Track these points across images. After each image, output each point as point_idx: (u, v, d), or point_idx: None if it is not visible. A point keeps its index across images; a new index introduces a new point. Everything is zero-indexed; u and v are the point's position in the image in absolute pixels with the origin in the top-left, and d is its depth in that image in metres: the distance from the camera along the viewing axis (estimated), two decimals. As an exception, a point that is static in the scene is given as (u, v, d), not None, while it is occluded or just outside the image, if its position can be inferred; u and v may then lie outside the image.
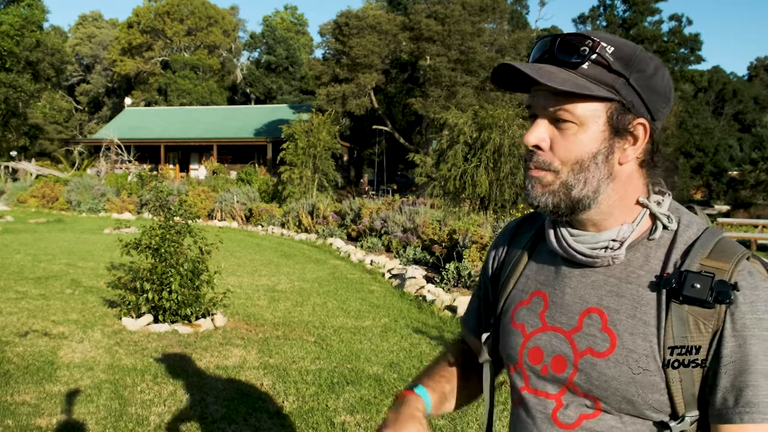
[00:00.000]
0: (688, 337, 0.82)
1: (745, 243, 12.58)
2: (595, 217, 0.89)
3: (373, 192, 26.00)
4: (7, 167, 24.88)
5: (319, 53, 44.27)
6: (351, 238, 11.89)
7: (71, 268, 7.81)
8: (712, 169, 31.95)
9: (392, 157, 33.89)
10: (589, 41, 0.83)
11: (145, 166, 27.49)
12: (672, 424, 0.85)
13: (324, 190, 17.18)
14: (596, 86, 0.83)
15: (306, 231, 12.91)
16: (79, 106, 48.70)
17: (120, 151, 25.35)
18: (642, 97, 0.84)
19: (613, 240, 0.89)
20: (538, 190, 0.89)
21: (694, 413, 0.85)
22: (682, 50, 39.93)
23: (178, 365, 4.19)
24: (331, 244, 11.23)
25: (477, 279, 1.24)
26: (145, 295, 4.96)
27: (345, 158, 30.31)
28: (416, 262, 8.88)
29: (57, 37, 41.82)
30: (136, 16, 44.77)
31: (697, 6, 77.64)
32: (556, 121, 0.86)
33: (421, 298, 6.61)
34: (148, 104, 41.86)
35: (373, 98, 28.59)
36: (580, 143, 0.85)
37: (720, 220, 16.17)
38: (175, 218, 5.24)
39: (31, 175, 24.24)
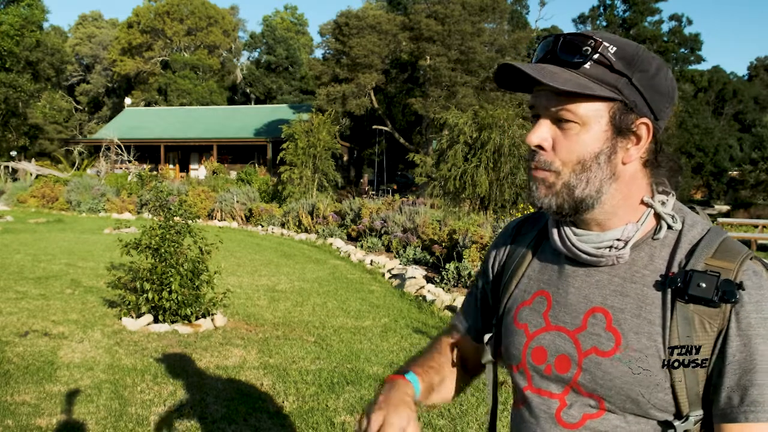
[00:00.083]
0: (693, 337, 0.82)
1: (745, 243, 12.57)
2: (599, 216, 0.89)
3: (373, 192, 25.99)
4: (7, 167, 24.88)
5: (319, 53, 44.28)
6: (351, 238, 11.88)
7: (71, 268, 7.81)
8: (712, 169, 31.95)
9: (392, 157, 33.89)
10: (592, 41, 0.83)
11: (145, 166, 27.49)
12: (676, 423, 0.85)
13: (324, 190, 17.18)
14: (598, 86, 0.83)
15: (306, 231, 12.91)
16: (79, 106, 48.70)
17: (120, 151, 25.35)
18: (645, 96, 0.84)
19: (618, 239, 0.89)
20: (541, 192, 0.89)
21: (699, 413, 0.85)
22: (682, 50, 39.94)
23: (178, 365, 4.19)
24: (331, 244, 11.23)
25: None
26: (145, 295, 4.96)
27: (345, 158, 30.31)
28: (416, 262, 8.88)
29: (57, 37, 41.83)
30: (136, 16, 44.76)
31: (697, 6, 77.69)
32: (559, 121, 0.86)
33: (421, 298, 6.61)
34: (148, 104, 41.87)
35: (373, 98, 28.58)
36: (582, 143, 0.85)
37: (720, 220, 16.18)
38: (175, 218, 5.24)
39: (31, 175, 24.24)
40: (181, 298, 5.02)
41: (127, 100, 36.55)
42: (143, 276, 5.05)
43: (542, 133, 0.87)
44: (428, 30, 25.42)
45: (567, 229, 0.93)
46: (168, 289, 4.97)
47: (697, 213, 0.93)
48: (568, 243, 0.92)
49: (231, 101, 45.06)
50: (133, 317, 5.17)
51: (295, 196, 16.09)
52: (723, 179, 32.65)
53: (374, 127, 29.96)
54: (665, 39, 39.13)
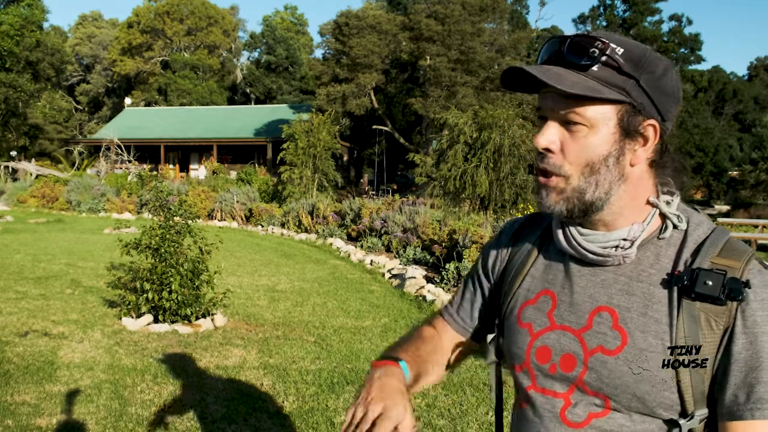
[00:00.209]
0: (699, 335, 0.83)
1: (745, 243, 12.56)
2: (606, 217, 0.90)
3: (373, 192, 25.99)
4: (7, 167, 24.88)
5: (319, 53, 44.30)
6: (351, 238, 11.88)
7: (71, 268, 7.81)
8: (712, 169, 31.94)
9: (392, 157, 33.89)
10: (599, 43, 0.83)
11: (145, 166, 27.49)
12: (682, 422, 0.85)
13: (324, 190, 17.18)
14: (607, 89, 0.83)
15: (306, 231, 12.91)
16: (79, 106, 48.70)
17: (120, 151, 25.35)
18: (652, 98, 0.84)
19: (624, 239, 0.89)
20: (552, 198, 0.89)
21: (704, 411, 0.85)
22: (682, 50, 39.94)
23: (178, 365, 4.19)
24: (331, 244, 11.23)
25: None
26: (145, 295, 4.96)
27: (345, 158, 30.31)
28: (416, 262, 8.88)
29: (57, 37, 41.82)
30: (136, 16, 44.76)
31: (697, 6, 77.68)
32: (567, 124, 0.86)
33: (421, 298, 6.61)
34: (148, 104, 41.87)
35: (373, 98, 28.58)
36: (590, 146, 0.85)
37: (720, 220, 16.18)
38: (175, 218, 5.24)
39: (31, 175, 24.24)
40: (181, 298, 5.02)
41: (127, 100, 36.54)
42: (143, 276, 5.05)
43: (550, 135, 0.87)
44: (428, 30, 25.42)
45: (572, 229, 0.93)
46: (168, 289, 4.97)
47: (698, 213, 0.94)
48: (574, 243, 0.92)
49: (231, 101, 45.06)
50: (133, 317, 5.17)
51: (295, 196, 16.09)
52: (723, 179, 32.64)
53: (374, 127, 29.96)
54: (665, 39, 39.13)
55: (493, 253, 1.10)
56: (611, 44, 0.83)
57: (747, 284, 0.82)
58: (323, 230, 12.16)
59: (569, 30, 44.05)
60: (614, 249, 0.89)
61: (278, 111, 32.54)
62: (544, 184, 0.89)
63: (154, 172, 25.50)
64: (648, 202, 0.90)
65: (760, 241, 13.52)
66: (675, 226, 0.90)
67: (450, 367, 1.13)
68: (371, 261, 9.16)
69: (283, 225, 13.84)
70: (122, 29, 45.41)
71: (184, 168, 31.17)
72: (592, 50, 0.83)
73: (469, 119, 12.79)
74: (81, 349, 4.47)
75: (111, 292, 6.23)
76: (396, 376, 0.92)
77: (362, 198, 14.82)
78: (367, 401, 0.86)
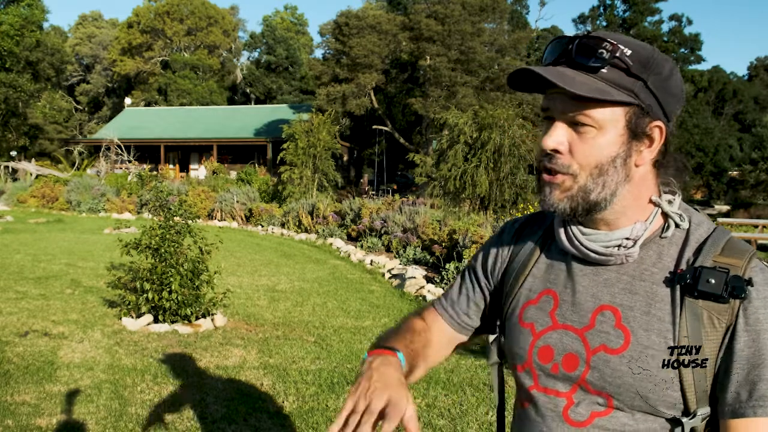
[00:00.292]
0: (702, 333, 0.83)
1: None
2: (609, 217, 0.90)
3: (373, 192, 25.99)
4: (7, 167, 24.88)
5: (319, 53, 44.29)
6: (351, 238, 11.88)
7: (71, 268, 7.81)
8: (712, 169, 31.95)
9: (392, 157, 33.88)
10: (607, 44, 0.83)
11: (145, 166, 27.48)
12: (684, 420, 0.85)
13: (324, 190, 17.18)
14: (617, 91, 0.83)
15: (306, 231, 12.91)
16: (79, 106, 48.70)
17: (120, 151, 25.35)
18: (659, 99, 0.85)
19: (627, 238, 0.89)
20: (556, 196, 0.89)
21: (706, 410, 0.85)
22: (682, 50, 39.94)
23: (178, 365, 4.19)
24: (331, 244, 11.23)
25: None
26: (145, 295, 4.96)
27: (345, 158, 30.31)
28: (416, 262, 8.88)
29: (57, 37, 41.82)
30: (136, 16, 44.75)
31: (697, 6, 77.69)
32: (575, 125, 0.86)
33: (421, 298, 6.61)
34: (148, 104, 41.86)
35: (373, 98, 28.58)
36: (599, 147, 0.85)
37: (720, 220, 16.17)
38: (175, 218, 5.24)
39: (31, 175, 24.24)
40: (181, 298, 5.03)
41: (127, 100, 36.54)
42: (143, 276, 5.05)
43: (558, 136, 0.87)
44: (428, 30, 25.42)
45: (574, 228, 0.93)
46: (168, 289, 4.97)
47: (698, 213, 0.94)
48: (576, 242, 0.92)
49: (231, 101, 45.06)
50: (133, 317, 5.17)
51: (295, 196, 16.09)
52: (723, 179, 32.65)
53: (374, 127, 29.96)
54: (665, 39, 39.12)
55: (493, 251, 1.09)
56: (619, 45, 0.83)
57: (749, 282, 0.82)
58: (323, 230, 12.16)
59: (569, 30, 44.07)
60: (617, 248, 0.90)
61: (278, 111, 32.53)
62: (548, 182, 0.89)
63: (154, 172, 25.50)
64: (650, 201, 0.91)
65: (760, 241, 13.51)
66: (677, 225, 0.90)
67: (431, 361, 1.09)
68: (371, 261, 9.16)
69: (283, 225, 13.84)
70: (122, 29, 45.40)
71: (184, 168, 31.17)
72: (600, 51, 0.83)
73: (469, 119, 12.79)
74: (81, 349, 4.47)
75: (111, 292, 6.23)
76: (394, 366, 0.89)
77: (362, 198, 14.82)
78: (370, 391, 0.82)
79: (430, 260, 8.65)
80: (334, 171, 17.52)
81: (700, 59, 40.76)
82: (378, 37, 26.54)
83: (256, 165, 27.99)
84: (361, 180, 31.27)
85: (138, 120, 33.27)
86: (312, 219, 13.06)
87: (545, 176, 0.89)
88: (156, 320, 5.16)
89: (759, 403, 0.80)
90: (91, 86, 48.75)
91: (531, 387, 0.96)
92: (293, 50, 45.43)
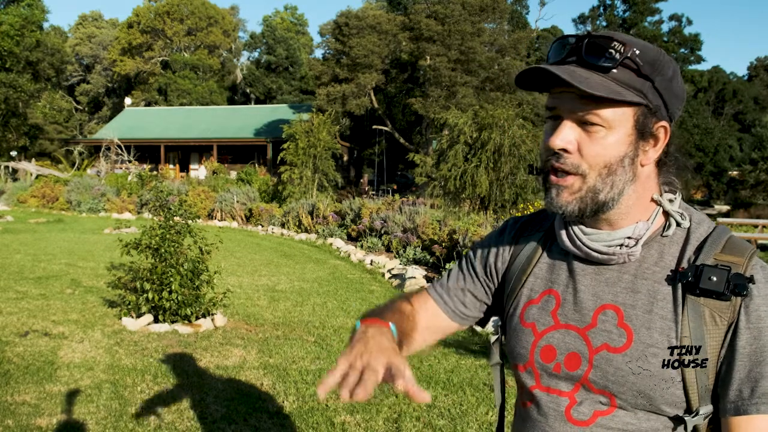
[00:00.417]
0: (704, 330, 0.84)
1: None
2: (613, 216, 0.90)
3: (373, 192, 26.01)
4: (7, 167, 24.88)
5: (319, 53, 44.28)
6: (351, 238, 11.88)
7: (71, 268, 7.81)
8: (712, 169, 31.95)
9: (392, 157, 33.88)
10: (617, 44, 0.83)
11: (145, 166, 27.49)
12: (687, 418, 0.86)
13: (324, 190, 17.18)
14: (627, 91, 0.83)
15: (306, 231, 12.91)
16: (79, 106, 48.70)
17: (120, 151, 25.35)
18: (664, 100, 0.86)
19: (629, 237, 0.89)
20: (564, 198, 0.88)
21: (708, 407, 0.86)
22: (682, 50, 39.96)
23: (178, 365, 4.19)
24: (331, 244, 11.23)
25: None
26: (145, 295, 4.96)
27: (345, 158, 30.31)
28: (416, 262, 8.88)
29: (57, 37, 41.80)
30: (136, 16, 44.75)
31: (697, 6, 77.70)
32: (584, 124, 0.86)
33: (421, 298, 6.60)
34: (148, 104, 41.87)
35: (373, 98, 28.58)
36: (608, 147, 0.85)
37: (720, 220, 16.17)
38: (175, 218, 5.24)
39: (31, 175, 24.24)
40: (181, 298, 5.03)
41: (127, 100, 36.53)
42: (143, 276, 5.05)
43: (567, 135, 0.86)
44: (428, 30, 25.41)
45: (576, 228, 0.93)
46: (168, 289, 4.97)
47: (698, 212, 0.95)
48: (578, 242, 0.92)
49: (231, 101, 45.06)
50: (133, 317, 5.17)
51: (295, 196, 16.10)
52: (723, 179, 32.66)
53: (374, 127, 29.96)
54: (665, 39, 39.14)
55: (494, 249, 1.08)
56: (630, 46, 0.83)
57: (751, 279, 0.83)
58: (323, 230, 12.16)
59: (569, 30, 44.01)
60: (619, 247, 0.90)
61: (278, 111, 32.54)
62: (556, 183, 0.88)
63: (154, 172, 25.51)
64: (652, 200, 0.91)
65: (760, 241, 13.51)
66: (678, 224, 0.91)
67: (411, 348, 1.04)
68: (371, 261, 9.16)
69: (283, 225, 13.84)
70: (122, 29, 45.40)
71: (184, 168, 31.17)
72: (610, 51, 0.83)
73: (469, 119, 12.79)
74: (81, 349, 4.47)
75: (111, 292, 6.23)
76: (387, 337, 0.85)
77: (362, 198, 14.82)
78: (368, 353, 0.78)
79: (430, 260, 8.65)
80: (334, 171, 17.52)
81: (700, 59, 40.81)
82: (378, 37, 26.54)
83: (256, 165, 27.99)
84: (361, 180, 31.28)
85: (138, 120, 33.27)
86: (312, 219, 13.06)
87: (553, 178, 0.89)
88: (156, 320, 5.16)
89: (762, 400, 0.80)
90: (91, 86, 48.75)
91: (533, 387, 0.96)
92: (293, 50, 45.44)
